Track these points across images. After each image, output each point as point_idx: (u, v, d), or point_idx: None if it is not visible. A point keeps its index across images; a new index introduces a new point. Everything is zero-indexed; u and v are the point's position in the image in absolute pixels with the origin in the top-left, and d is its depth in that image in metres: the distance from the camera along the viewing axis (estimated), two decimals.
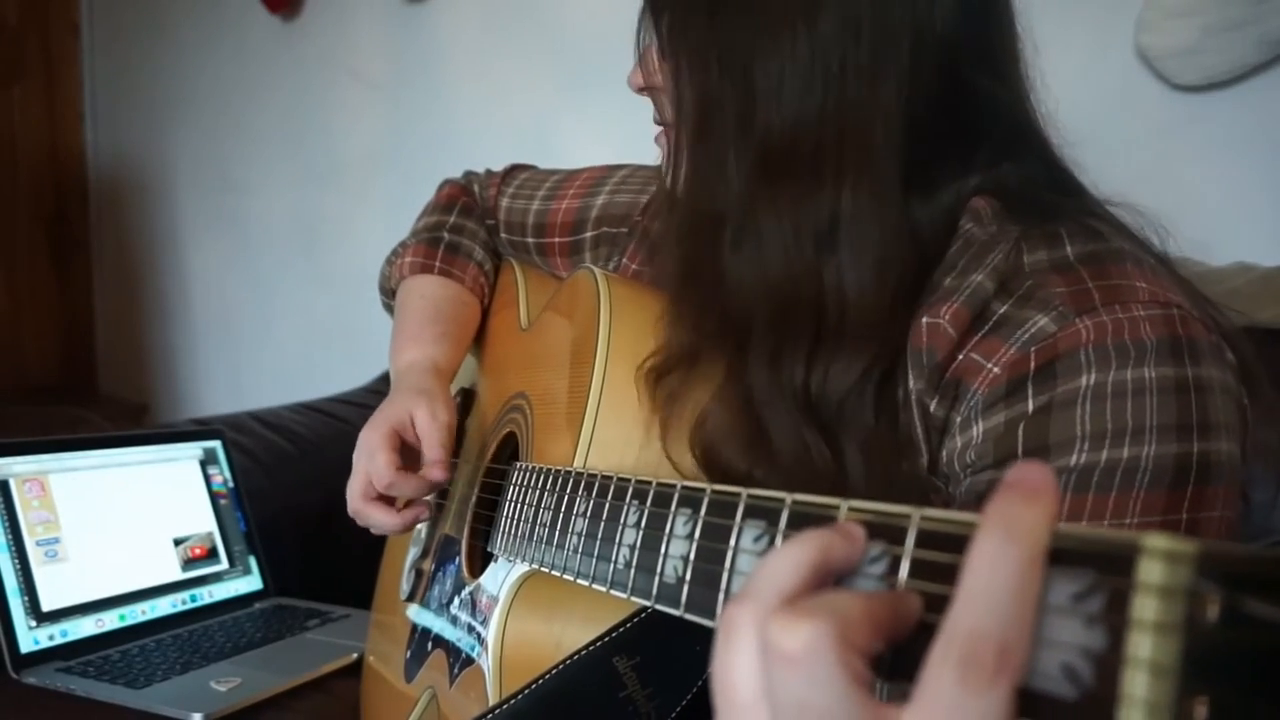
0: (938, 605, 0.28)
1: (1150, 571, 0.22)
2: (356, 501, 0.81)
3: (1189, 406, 0.49)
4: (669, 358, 0.65)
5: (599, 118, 1.66)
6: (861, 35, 0.54)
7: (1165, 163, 1.18)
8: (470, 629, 0.74)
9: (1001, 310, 0.53)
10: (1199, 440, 0.49)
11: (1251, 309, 0.91)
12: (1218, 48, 1.10)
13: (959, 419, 0.54)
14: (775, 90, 0.55)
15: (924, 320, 0.56)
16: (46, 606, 1.05)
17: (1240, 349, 0.54)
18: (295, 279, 2.19)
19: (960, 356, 0.54)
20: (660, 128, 0.68)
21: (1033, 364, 0.51)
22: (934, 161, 0.57)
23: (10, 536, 1.05)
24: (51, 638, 1.05)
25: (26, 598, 1.04)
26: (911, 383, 0.56)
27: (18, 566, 1.04)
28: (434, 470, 0.79)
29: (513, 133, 1.80)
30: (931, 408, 0.55)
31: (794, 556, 0.30)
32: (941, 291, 0.56)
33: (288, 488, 1.41)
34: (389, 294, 1.00)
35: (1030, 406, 0.51)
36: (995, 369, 0.52)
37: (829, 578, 0.31)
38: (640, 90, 0.68)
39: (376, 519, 0.81)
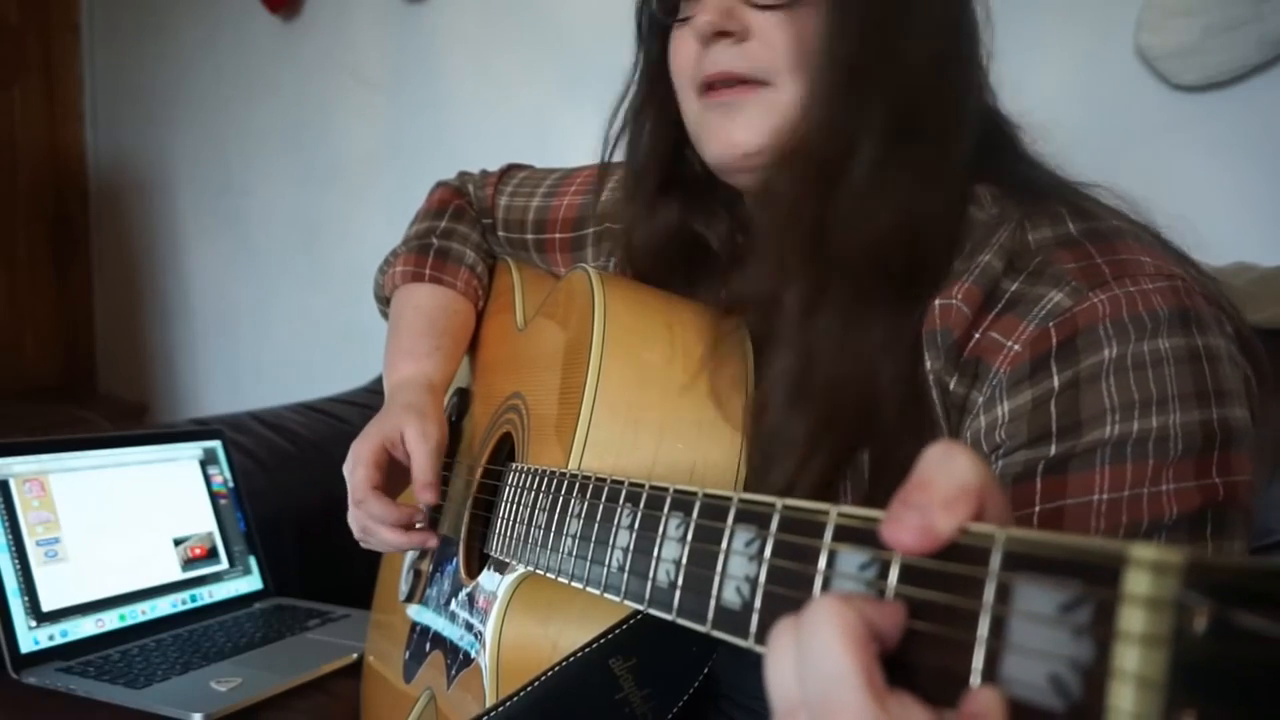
0: (926, 611, 0.28)
1: (1137, 583, 0.22)
2: (361, 521, 0.81)
3: (1203, 374, 0.50)
4: (748, 295, 0.66)
5: (598, 116, 1.65)
6: (961, 19, 0.62)
7: (1165, 163, 1.17)
8: (469, 627, 0.74)
9: (1013, 288, 0.54)
10: (1217, 407, 0.50)
11: (1251, 309, 0.91)
12: (1218, 48, 1.10)
13: (981, 399, 0.54)
14: (910, 36, 0.59)
15: (936, 302, 0.57)
16: (46, 606, 1.05)
17: (1235, 319, 0.55)
18: (295, 279, 2.19)
19: (977, 335, 0.55)
20: (723, 83, 0.63)
21: (1054, 339, 0.52)
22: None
23: (10, 536, 1.05)
24: (51, 638, 1.05)
25: (26, 598, 1.04)
26: (929, 363, 0.57)
27: (18, 566, 1.05)
28: (426, 493, 0.79)
29: (512, 132, 1.80)
30: (951, 386, 0.56)
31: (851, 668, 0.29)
32: (951, 274, 0.57)
33: (288, 488, 1.41)
34: (384, 301, 1.00)
35: (1056, 383, 0.51)
36: (1016, 346, 0.53)
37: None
38: (714, 35, 0.62)
39: (384, 538, 0.81)
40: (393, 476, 0.83)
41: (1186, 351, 0.50)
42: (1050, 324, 0.52)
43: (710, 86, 0.64)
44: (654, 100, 0.73)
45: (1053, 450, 0.51)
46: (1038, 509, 0.50)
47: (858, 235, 0.58)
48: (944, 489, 0.29)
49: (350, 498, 0.81)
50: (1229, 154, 1.14)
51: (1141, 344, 0.50)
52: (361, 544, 0.85)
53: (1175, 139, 1.17)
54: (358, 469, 0.80)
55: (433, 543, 0.83)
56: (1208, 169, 1.15)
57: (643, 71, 0.74)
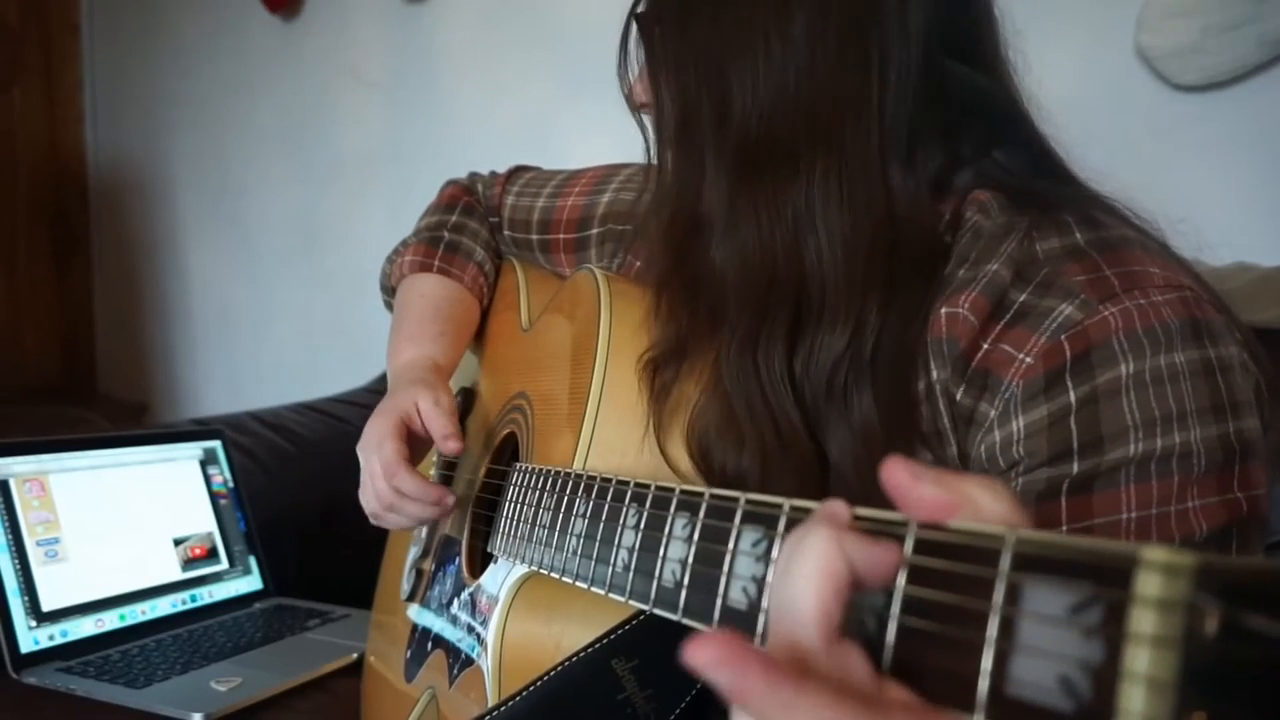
0: (934, 612, 0.28)
1: (1148, 584, 0.22)
2: (388, 498, 0.78)
3: (1218, 387, 0.50)
4: (661, 353, 0.67)
5: (598, 116, 1.65)
6: (830, 32, 0.56)
7: (1165, 163, 1.18)
8: (470, 629, 0.74)
9: (1021, 299, 0.54)
10: (1233, 420, 0.50)
11: (1251, 309, 0.91)
12: (1218, 48, 1.10)
13: (994, 412, 0.54)
14: (750, 90, 0.58)
15: (942, 310, 0.56)
16: (46, 606, 1.05)
17: (1242, 326, 0.55)
18: (294, 279, 2.19)
19: (985, 345, 0.54)
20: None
21: (1068, 353, 0.51)
22: (915, 145, 0.59)
23: (10, 536, 1.05)
24: (51, 638, 1.05)
25: (26, 598, 1.04)
26: (935, 373, 0.56)
27: (18, 566, 1.05)
28: (449, 443, 0.77)
29: (512, 132, 1.80)
30: (958, 396, 0.55)
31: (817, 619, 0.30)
32: (957, 282, 0.56)
33: (288, 488, 1.41)
34: (389, 292, 1.00)
35: (1073, 399, 0.51)
36: (1029, 360, 0.52)
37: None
38: (641, 106, 0.68)
39: (411, 508, 0.79)
40: (412, 451, 0.81)
41: (1201, 365, 0.50)
42: (1062, 337, 0.51)
43: None
44: None
45: (1075, 468, 0.50)
46: (1064, 529, 0.50)
47: (731, 269, 0.60)
48: (963, 485, 0.29)
49: (381, 473, 0.78)
50: (1229, 154, 1.14)
51: (1158, 358, 0.50)
52: (374, 521, 0.82)
53: (1175, 139, 1.17)
54: (385, 443, 0.78)
55: (449, 499, 0.81)
56: (1208, 169, 1.15)
57: None
